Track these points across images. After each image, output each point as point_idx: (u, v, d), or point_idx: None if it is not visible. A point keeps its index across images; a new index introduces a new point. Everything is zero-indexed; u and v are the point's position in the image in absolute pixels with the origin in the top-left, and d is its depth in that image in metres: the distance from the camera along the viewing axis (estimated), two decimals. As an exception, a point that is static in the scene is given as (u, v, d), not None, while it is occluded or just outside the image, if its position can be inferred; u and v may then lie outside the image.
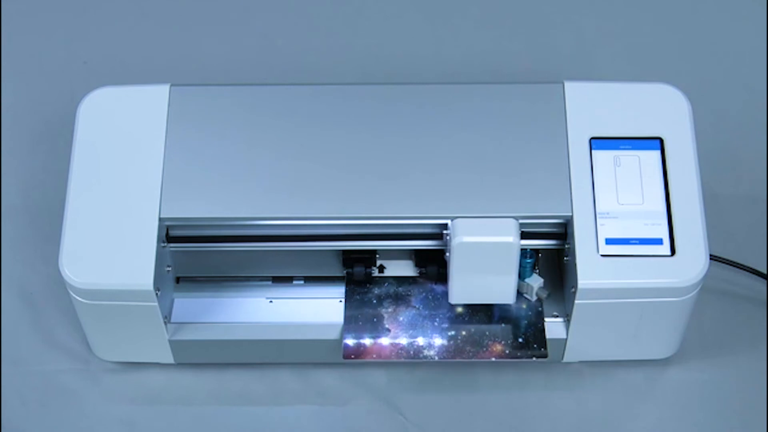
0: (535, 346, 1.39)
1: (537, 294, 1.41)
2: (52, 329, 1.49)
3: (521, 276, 1.40)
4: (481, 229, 1.34)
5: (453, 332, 1.40)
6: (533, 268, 1.41)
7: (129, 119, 1.41)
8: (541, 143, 1.39)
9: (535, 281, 1.41)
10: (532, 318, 1.41)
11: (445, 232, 1.35)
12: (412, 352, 1.39)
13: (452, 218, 1.36)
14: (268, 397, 1.44)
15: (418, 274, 1.45)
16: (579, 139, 1.39)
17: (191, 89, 1.43)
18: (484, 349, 1.39)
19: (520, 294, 1.42)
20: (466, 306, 1.42)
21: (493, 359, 1.38)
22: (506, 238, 1.33)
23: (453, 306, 1.42)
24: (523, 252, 1.38)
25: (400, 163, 1.38)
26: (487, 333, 1.40)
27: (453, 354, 1.39)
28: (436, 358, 1.38)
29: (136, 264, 1.34)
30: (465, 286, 1.38)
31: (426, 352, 1.39)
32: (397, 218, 1.36)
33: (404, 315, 1.42)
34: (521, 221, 1.36)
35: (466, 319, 1.41)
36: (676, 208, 1.36)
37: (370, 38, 1.75)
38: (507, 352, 1.39)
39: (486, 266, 1.35)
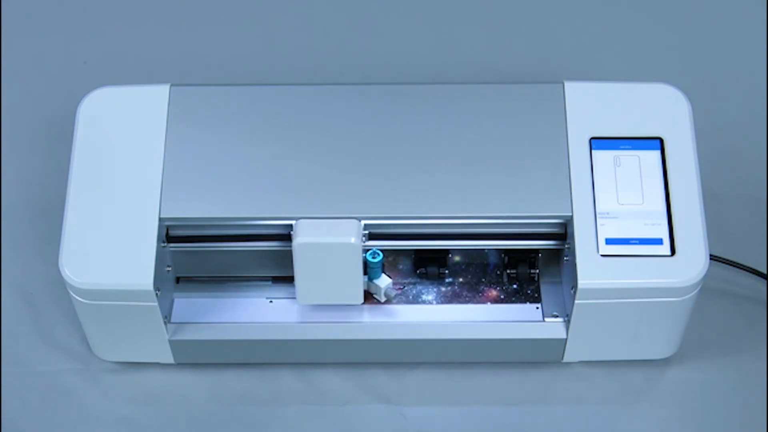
0: (528, 292, 1.43)
1: (386, 294, 1.41)
2: (52, 329, 1.49)
3: (370, 277, 1.40)
4: (323, 231, 1.34)
5: (450, 279, 1.44)
6: (382, 269, 1.41)
7: (129, 119, 1.41)
8: (541, 143, 1.39)
9: (383, 282, 1.41)
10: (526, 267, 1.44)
11: (291, 232, 1.35)
12: (411, 297, 1.43)
13: (452, 217, 1.36)
14: (268, 397, 1.44)
15: (417, 275, 1.46)
16: (579, 139, 1.39)
17: (191, 89, 1.43)
18: (480, 294, 1.43)
19: (370, 294, 1.42)
20: (463, 258, 1.46)
21: (489, 303, 1.43)
22: (347, 239, 1.33)
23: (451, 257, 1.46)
24: (372, 253, 1.38)
25: (401, 163, 1.38)
26: (483, 280, 1.44)
27: (450, 299, 1.42)
28: (434, 303, 1.42)
29: (136, 264, 1.34)
30: (311, 287, 1.37)
31: (424, 297, 1.43)
32: (397, 218, 1.36)
33: (404, 263, 1.45)
34: (521, 221, 1.36)
35: (463, 267, 1.45)
36: (676, 208, 1.36)
37: (371, 38, 1.75)
38: (502, 297, 1.43)
39: (330, 267, 1.35)
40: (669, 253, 1.34)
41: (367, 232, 1.36)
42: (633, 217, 1.36)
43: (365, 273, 1.39)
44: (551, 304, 1.43)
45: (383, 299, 1.42)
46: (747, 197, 1.59)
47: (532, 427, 1.42)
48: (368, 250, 1.38)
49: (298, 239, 1.33)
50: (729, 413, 1.42)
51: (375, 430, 1.42)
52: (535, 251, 1.43)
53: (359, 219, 1.35)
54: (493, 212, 1.36)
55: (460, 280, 1.45)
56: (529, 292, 1.45)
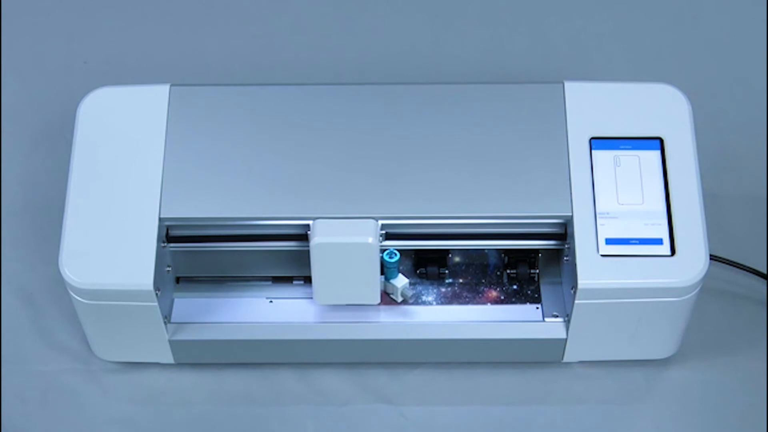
0: (528, 292, 1.43)
1: (402, 295, 1.41)
2: (52, 329, 1.49)
3: (387, 277, 1.40)
4: (340, 230, 1.33)
5: (450, 279, 1.44)
6: (398, 269, 1.41)
7: (129, 119, 1.41)
8: (541, 143, 1.39)
9: (400, 282, 1.41)
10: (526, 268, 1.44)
11: (309, 232, 1.35)
12: (411, 300, 1.43)
13: (455, 217, 1.36)
14: (268, 397, 1.44)
15: (417, 275, 1.46)
16: (579, 139, 1.39)
17: (191, 89, 1.43)
18: (480, 294, 1.43)
19: (387, 294, 1.42)
20: (463, 258, 1.46)
21: (489, 304, 1.43)
22: (364, 239, 1.33)
23: (451, 257, 1.46)
24: (389, 253, 1.38)
25: (401, 163, 1.38)
26: (483, 281, 1.44)
27: (450, 299, 1.42)
28: (434, 303, 1.42)
29: (136, 264, 1.34)
30: (328, 287, 1.37)
31: (425, 297, 1.43)
32: (396, 218, 1.36)
33: (404, 265, 1.45)
34: (521, 221, 1.36)
35: (464, 268, 1.45)
36: (676, 208, 1.36)
37: (370, 38, 1.75)
38: (502, 297, 1.43)
39: (347, 267, 1.35)
40: (669, 253, 1.34)
41: (384, 232, 1.36)
42: (633, 217, 1.36)
43: (382, 273, 1.39)
44: (551, 304, 1.43)
45: (400, 299, 1.42)
46: (747, 197, 1.59)
47: (532, 427, 1.42)
48: (385, 250, 1.38)
49: (316, 239, 1.33)
50: (729, 413, 1.42)
51: (375, 430, 1.42)
52: (535, 251, 1.43)
53: (376, 219, 1.35)
54: (494, 212, 1.36)
55: (460, 280, 1.45)
56: (529, 292, 1.45)
